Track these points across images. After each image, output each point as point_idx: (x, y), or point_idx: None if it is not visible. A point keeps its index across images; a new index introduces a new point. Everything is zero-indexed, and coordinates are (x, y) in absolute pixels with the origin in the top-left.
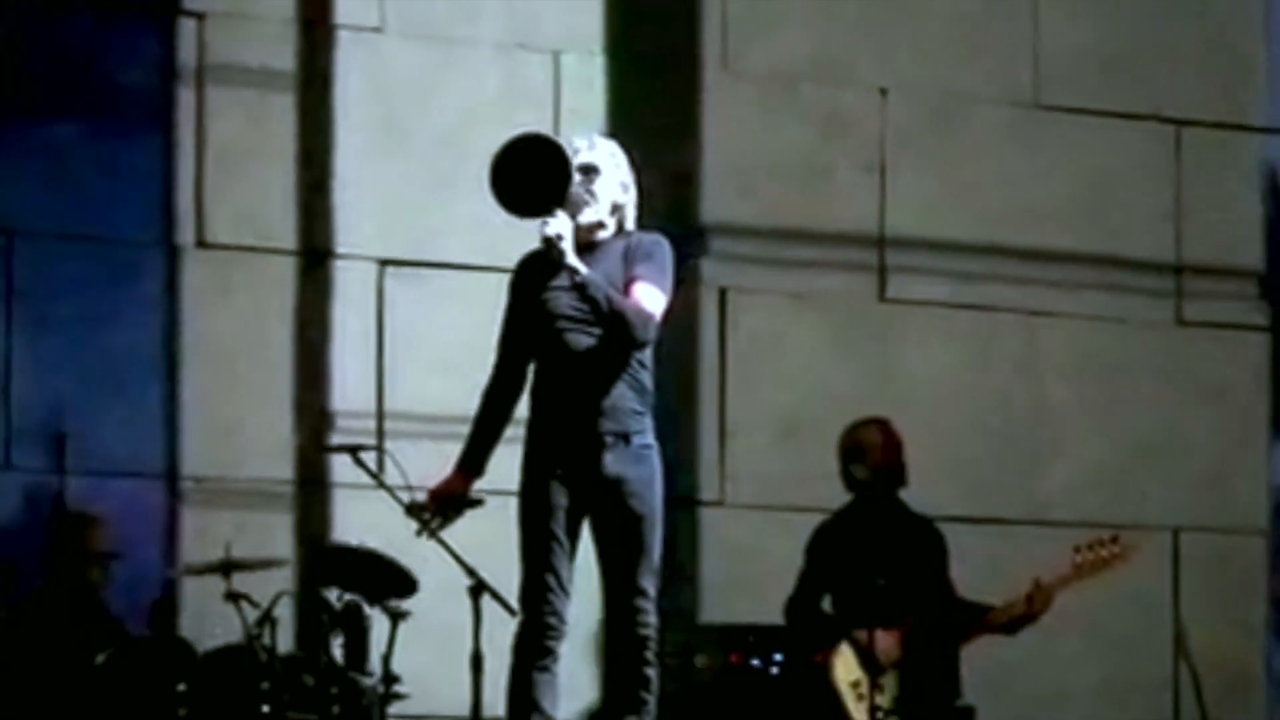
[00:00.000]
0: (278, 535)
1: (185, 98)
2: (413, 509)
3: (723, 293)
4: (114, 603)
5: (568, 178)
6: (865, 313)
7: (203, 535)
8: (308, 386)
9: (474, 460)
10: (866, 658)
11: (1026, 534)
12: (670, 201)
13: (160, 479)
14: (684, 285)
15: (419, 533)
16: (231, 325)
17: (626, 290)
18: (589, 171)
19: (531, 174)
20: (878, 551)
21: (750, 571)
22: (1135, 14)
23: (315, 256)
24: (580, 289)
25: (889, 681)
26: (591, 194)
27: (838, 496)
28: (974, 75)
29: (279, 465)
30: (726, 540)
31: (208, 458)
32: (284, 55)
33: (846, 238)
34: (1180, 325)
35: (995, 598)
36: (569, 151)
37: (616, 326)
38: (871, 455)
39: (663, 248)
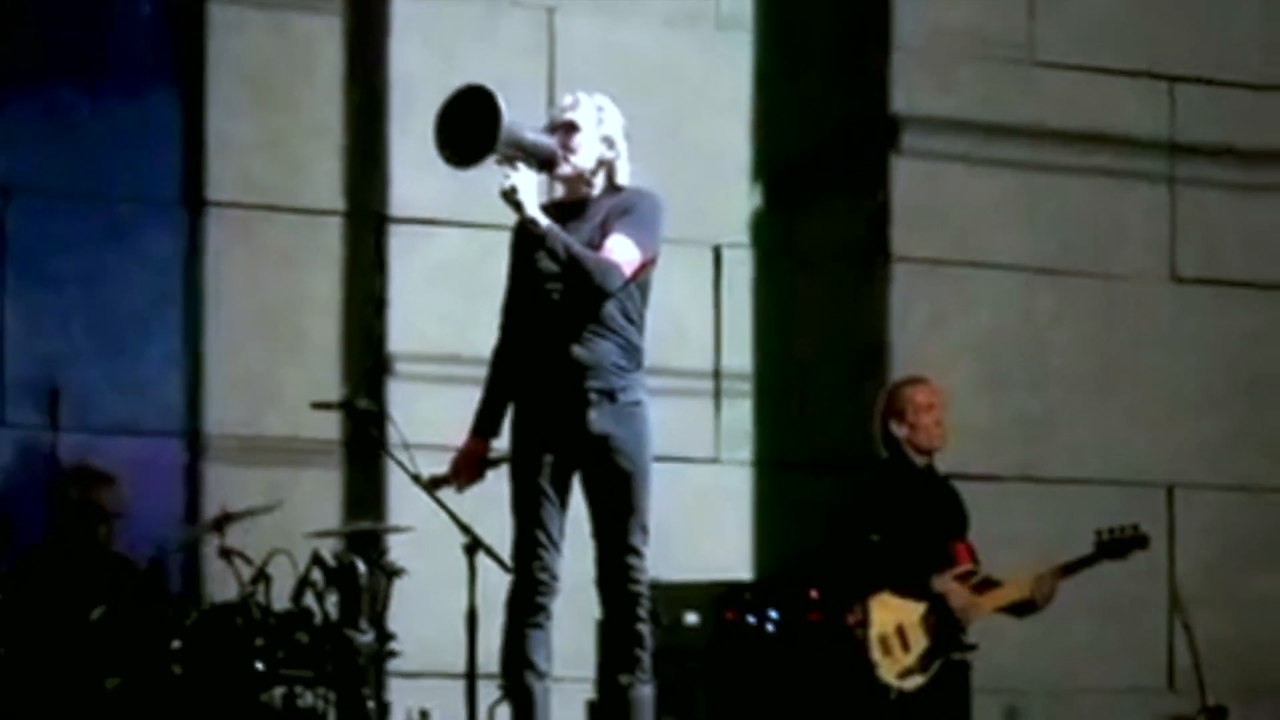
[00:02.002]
0: (310, 492)
1: (196, 54)
2: (433, 483)
3: None
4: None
5: (496, 127)
6: None
7: (228, 493)
8: (334, 343)
9: (489, 422)
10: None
11: None
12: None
13: (180, 436)
14: None
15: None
16: (252, 281)
17: (603, 244)
18: (570, 128)
19: (471, 126)
20: (889, 510)
21: None
22: None
23: (357, 216)
24: (540, 241)
25: (917, 638)
26: (570, 149)
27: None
28: None
29: (303, 423)
30: None
31: (230, 415)
32: None
33: None
34: None
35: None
36: (502, 101)
37: (577, 275)
38: (913, 413)
39: (647, 202)
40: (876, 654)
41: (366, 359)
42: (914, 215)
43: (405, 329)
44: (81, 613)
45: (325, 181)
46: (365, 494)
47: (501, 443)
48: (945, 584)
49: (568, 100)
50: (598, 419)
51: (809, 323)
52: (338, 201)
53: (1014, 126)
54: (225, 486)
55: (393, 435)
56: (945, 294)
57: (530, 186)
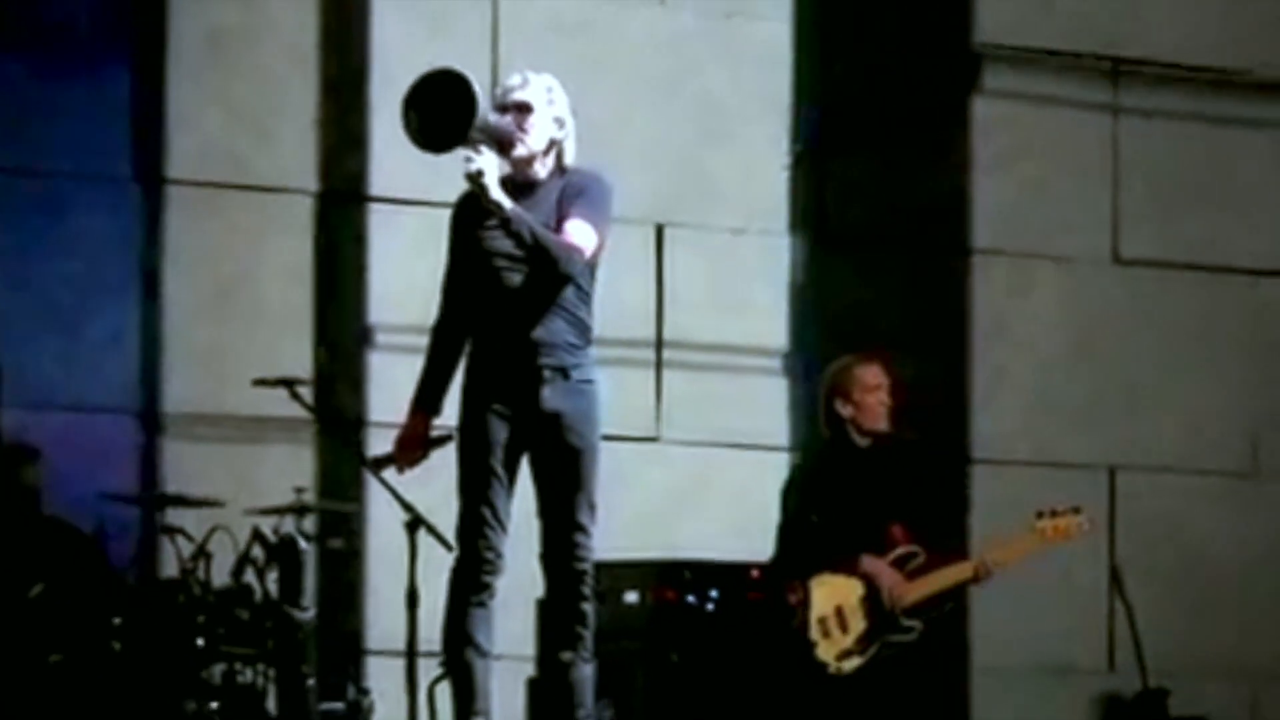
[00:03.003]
0: (278, 469)
1: (154, 26)
2: (379, 462)
3: None
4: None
5: (472, 113)
6: None
7: (188, 470)
8: (300, 319)
9: (430, 399)
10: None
11: None
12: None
13: (135, 414)
14: None
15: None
16: (215, 257)
17: (559, 227)
18: (522, 109)
19: (443, 109)
20: (827, 490)
21: None
22: None
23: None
24: (504, 224)
25: (855, 620)
26: (524, 130)
27: None
28: None
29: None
30: None
31: (191, 392)
32: None
33: None
34: None
35: None
36: (477, 87)
37: (541, 260)
38: (858, 392)
39: (598, 185)
40: (815, 634)
41: (339, 333)
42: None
43: (384, 301)
44: (21, 584)
45: (294, 156)
46: (340, 471)
47: (443, 421)
48: (874, 565)
49: (517, 80)
50: (550, 396)
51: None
52: (308, 175)
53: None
54: (183, 464)
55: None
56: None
57: (493, 169)
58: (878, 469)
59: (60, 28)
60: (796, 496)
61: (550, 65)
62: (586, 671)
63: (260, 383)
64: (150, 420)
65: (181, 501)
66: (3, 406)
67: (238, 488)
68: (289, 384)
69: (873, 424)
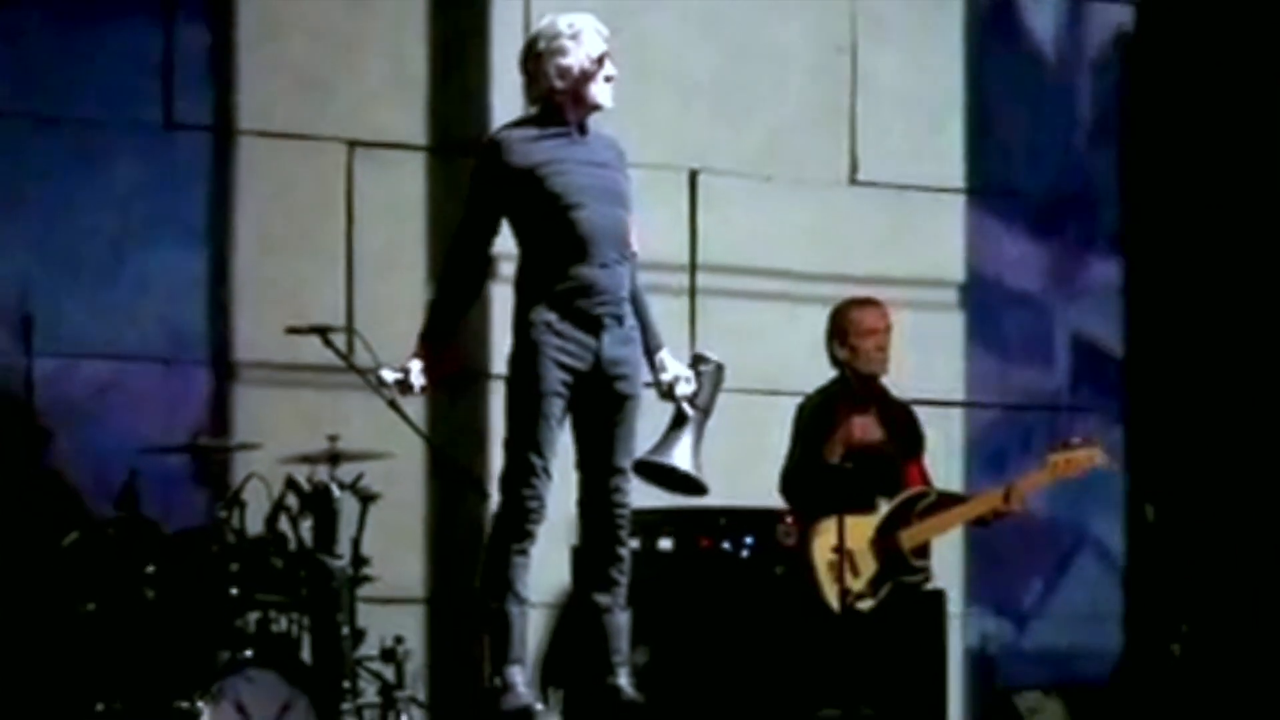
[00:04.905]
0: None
1: None
2: (398, 385)
3: None
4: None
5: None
6: None
7: (260, 419)
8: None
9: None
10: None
11: None
12: None
13: (208, 364)
14: None
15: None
16: (288, 208)
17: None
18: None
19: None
20: (835, 434)
21: None
22: None
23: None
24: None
25: (866, 563)
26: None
27: None
28: None
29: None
30: None
31: (266, 341)
32: None
33: None
34: None
35: None
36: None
37: None
38: (854, 336)
39: None
40: (825, 579)
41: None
42: None
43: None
44: (46, 538)
45: (407, 107)
46: (452, 421)
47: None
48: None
49: (599, 23)
50: (610, 343)
51: None
52: (416, 127)
53: None
54: (255, 413)
55: (365, 357)
56: None
57: None
58: (886, 410)
59: None
60: (804, 439)
61: None
62: (623, 619)
63: (293, 330)
64: (220, 369)
65: (218, 450)
66: (34, 356)
67: (313, 435)
68: (322, 331)
69: (867, 368)
